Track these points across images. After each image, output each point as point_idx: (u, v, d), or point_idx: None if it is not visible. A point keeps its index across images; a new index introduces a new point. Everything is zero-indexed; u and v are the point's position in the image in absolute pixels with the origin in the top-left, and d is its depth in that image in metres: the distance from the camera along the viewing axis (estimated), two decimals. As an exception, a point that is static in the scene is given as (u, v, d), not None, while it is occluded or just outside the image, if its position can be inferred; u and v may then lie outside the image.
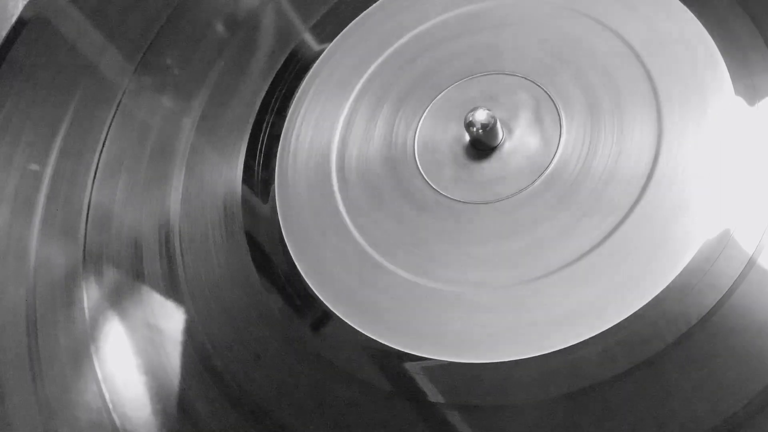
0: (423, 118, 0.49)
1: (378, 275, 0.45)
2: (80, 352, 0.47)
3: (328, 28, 0.56)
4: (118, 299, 0.49)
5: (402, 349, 0.42)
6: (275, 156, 0.52)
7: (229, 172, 0.52)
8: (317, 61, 0.54)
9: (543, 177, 0.44)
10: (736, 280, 0.38)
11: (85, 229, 0.52)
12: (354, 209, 0.48)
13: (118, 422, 0.44)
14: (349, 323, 0.44)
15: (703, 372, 0.36)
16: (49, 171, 0.55)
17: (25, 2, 0.63)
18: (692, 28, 0.46)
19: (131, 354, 0.46)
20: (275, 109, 0.53)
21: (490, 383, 0.40)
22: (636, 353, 0.38)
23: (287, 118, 0.53)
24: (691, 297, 0.38)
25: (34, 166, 0.55)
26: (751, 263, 0.38)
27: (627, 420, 0.37)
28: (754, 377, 0.35)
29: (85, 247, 0.51)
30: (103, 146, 0.55)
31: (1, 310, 0.50)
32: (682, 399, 0.36)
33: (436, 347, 0.41)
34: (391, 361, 0.42)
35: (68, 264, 0.51)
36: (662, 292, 0.39)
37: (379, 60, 0.53)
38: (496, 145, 0.46)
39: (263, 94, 0.54)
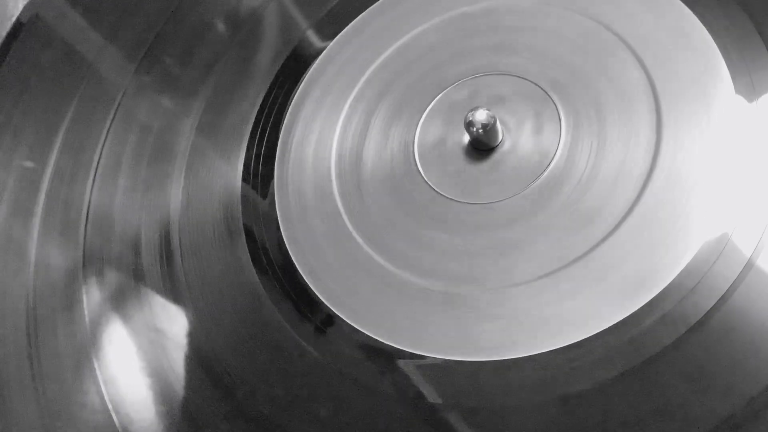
0: (423, 117, 0.49)
1: (377, 275, 0.45)
2: (81, 353, 0.47)
3: (329, 28, 0.56)
4: (118, 300, 0.49)
5: (402, 348, 0.42)
6: (275, 156, 0.52)
7: (229, 172, 0.52)
8: (317, 61, 0.54)
9: (542, 177, 0.44)
10: (734, 282, 0.38)
11: (85, 229, 0.52)
12: (353, 209, 0.48)
13: (118, 423, 0.44)
14: (349, 323, 0.44)
15: (702, 373, 0.36)
16: (48, 171, 0.55)
17: (24, 2, 0.63)
18: (692, 27, 0.45)
19: (131, 355, 0.47)
20: (275, 109, 0.53)
21: (489, 383, 0.40)
22: (634, 354, 0.38)
23: (287, 118, 0.53)
24: (689, 298, 0.38)
25: (28, 164, 0.55)
26: (749, 265, 0.38)
27: (625, 421, 0.37)
28: (753, 379, 0.35)
29: (85, 247, 0.51)
30: (103, 146, 0.55)
31: (1, 311, 0.50)
32: (680, 400, 0.36)
33: (436, 347, 0.42)
34: (391, 360, 0.42)
35: (68, 264, 0.51)
36: (660, 293, 0.38)
37: (380, 60, 0.53)
38: (496, 145, 0.46)
39: (263, 93, 0.54)
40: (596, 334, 0.39)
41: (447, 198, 0.46)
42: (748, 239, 0.38)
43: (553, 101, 0.46)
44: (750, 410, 0.35)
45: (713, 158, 0.41)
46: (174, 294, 0.48)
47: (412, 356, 0.42)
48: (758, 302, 0.37)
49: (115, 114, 0.57)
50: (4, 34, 0.63)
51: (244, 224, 0.49)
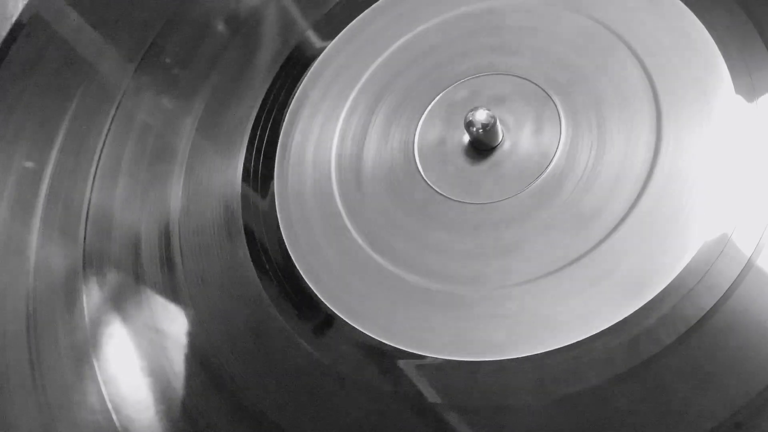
0: (423, 117, 0.49)
1: (377, 275, 0.45)
2: (81, 353, 0.47)
3: (329, 28, 0.56)
4: (118, 300, 0.49)
5: (401, 348, 0.42)
6: (275, 156, 0.51)
7: (229, 172, 0.52)
8: (317, 61, 0.54)
9: (542, 177, 0.44)
10: (734, 282, 0.38)
11: (85, 229, 0.52)
12: (353, 209, 0.48)
13: (118, 423, 0.44)
14: (349, 323, 0.44)
15: (702, 373, 0.36)
16: (48, 171, 0.55)
17: (24, 3, 0.63)
18: (692, 27, 0.45)
19: (131, 355, 0.47)
20: (275, 109, 0.53)
21: (489, 383, 0.40)
22: (635, 354, 0.38)
23: (287, 118, 0.53)
24: (689, 298, 0.38)
25: (28, 164, 0.55)
26: (749, 265, 0.38)
27: (625, 421, 0.37)
28: (753, 378, 0.35)
29: (85, 247, 0.51)
30: (103, 146, 0.55)
31: (1, 311, 0.50)
32: (680, 400, 0.36)
33: (436, 347, 0.41)
34: (391, 360, 0.42)
35: (68, 264, 0.51)
36: (661, 293, 0.39)
37: (380, 60, 0.53)
38: (496, 145, 0.46)
39: (263, 93, 0.54)
40: (596, 334, 0.39)
41: (447, 198, 0.46)
42: (748, 239, 0.39)
43: (553, 101, 0.46)
44: (751, 409, 0.35)
45: (713, 158, 0.41)
46: (174, 294, 0.48)
47: (412, 356, 0.42)
48: (758, 302, 0.37)
49: (115, 114, 0.57)
50: (3, 34, 0.63)
51: (244, 224, 0.49)
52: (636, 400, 0.37)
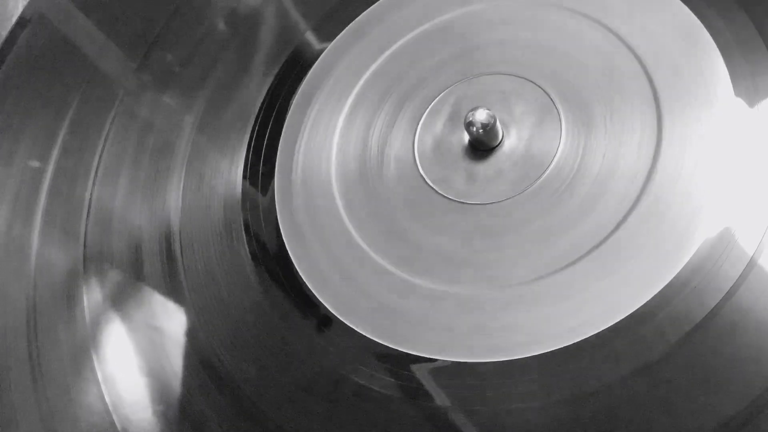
0: (423, 118, 0.49)
1: (377, 276, 0.45)
2: (81, 352, 0.47)
3: (330, 28, 0.56)
4: (118, 299, 0.49)
5: (402, 350, 0.42)
6: (276, 156, 0.52)
7: (230, 172, 0.52)
8: (318, 60, 0.54)
9: (543, 177, 0.44)
10: (736, 281, 0.38)
11: (86, 228, 0.52)
12: (354, 210, 0.48)
13: (118, 423, 0.44)
14: (349, 325, 0.44)
15: (704, 372, 0.36)
16: (49, 170, 0.55)
17: (25, 2, 0.63)
18: (692, 27, 0.45)
19: (132, 354, 0.47)
20: (276, 109, 0.53)
21: (491, 384, 0.40)
22: (636, 353, 0.38)
23: (288, 118, 0.53)
24: (691, 297, 0.38)
25: (34, 163, 0.55)
26: (751, 264, 0.38)
27: (628, 420, 0.37)
28: (756, 377, 0.35)
29: (85, 246, 0.51)
30: (104, 145, 0.55)
31: (1, 310, 0.50)
32: (683, 399, 0.36)
33: (436, 348, 0.41)
34: (390, 361, 0.42)
35: (68, 264, 0.51)
36: (661, 292, 0.39)
37: (380, 59, 0.53)
38: (495, 145, 0.46)
39: (264, 93, 0.54)
40: (597, 333, 0.39)
41: (447, 198, 0.46)
42: (750, 238, 0.39)
43: (553, 101, 0.46)
44: (755, 407, 0.35)
45: (714, 157, 0.41)
46: (174, 293, 0.48)
47: (411, 357, 0.42)
48: (761, 300, 0.37)
49: (116, 112, 0.57)
50: (5, 33, 0.63)
51: (244, 223, 0.49)
52: (639, 400, 0.37)
